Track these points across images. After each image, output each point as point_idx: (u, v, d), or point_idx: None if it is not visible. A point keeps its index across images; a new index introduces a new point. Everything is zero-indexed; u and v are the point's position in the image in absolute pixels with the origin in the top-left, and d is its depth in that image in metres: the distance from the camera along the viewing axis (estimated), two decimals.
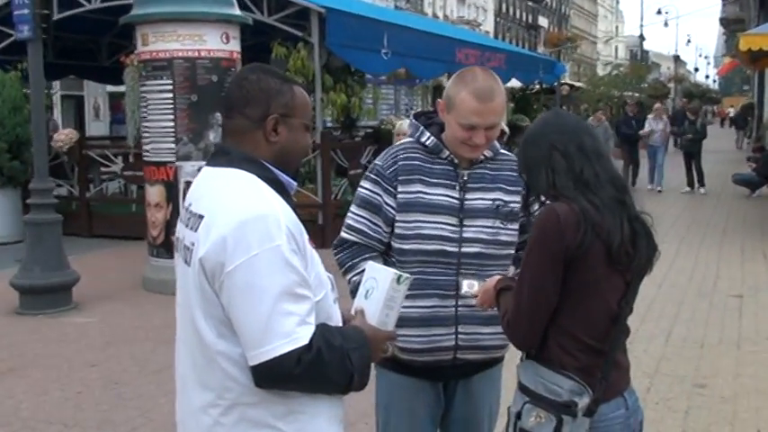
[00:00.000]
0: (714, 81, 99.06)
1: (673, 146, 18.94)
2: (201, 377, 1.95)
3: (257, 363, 1.83)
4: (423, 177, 2.64)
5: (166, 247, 7.89)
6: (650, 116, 17.81)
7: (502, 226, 2.67)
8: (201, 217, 1.92)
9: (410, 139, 2.75)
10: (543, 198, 2.33)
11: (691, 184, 16.65)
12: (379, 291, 2.12)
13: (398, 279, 2.12)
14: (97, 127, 28.00)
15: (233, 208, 1.87)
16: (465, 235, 2.63)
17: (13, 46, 10.50)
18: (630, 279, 2.23)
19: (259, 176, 1.95)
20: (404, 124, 12.37)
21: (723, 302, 7.46)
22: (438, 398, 2.78)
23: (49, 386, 5.40)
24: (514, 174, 2.68)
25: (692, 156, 16.71)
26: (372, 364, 2.66)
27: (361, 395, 2.13)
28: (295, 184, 2.10)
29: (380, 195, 2.67)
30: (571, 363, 2.19)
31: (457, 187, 2.65)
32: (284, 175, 2.03)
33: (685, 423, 4.69)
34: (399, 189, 2.64)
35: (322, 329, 1.89)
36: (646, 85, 40.35)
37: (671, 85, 58.18)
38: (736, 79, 64.18)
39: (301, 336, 1.83)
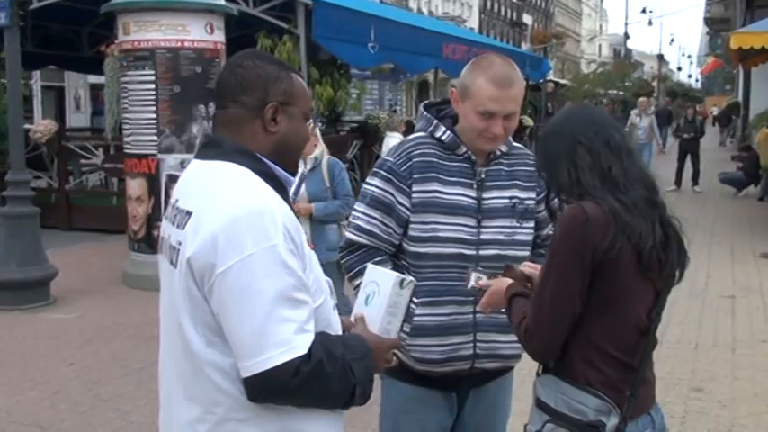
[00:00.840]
0: (697, 80, 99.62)
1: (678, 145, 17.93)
2: (188, 389, 1.77)
3: (251, 374, 1.65)
4: (439, 176, 2.46)
5: (147, 242, 7.70)
6: (633, 111, 17.48)
7: (518, 225, 2.51)
8: (190, 214, 1.75)
9: (423, 134, 2.54)
10: (564, 197, 2.12)
11: (678, 182, 16.50)
12: (381, 296, 1.95)
13: (401, 283, 1.95)
14: (78, 119, 27.64)
15: (224, 203, 1.70)
16: (483, 237, 2.46)
17: None
18: (661, 288, 2.06)
19: (253, 170, 1.78)
20: (396, 119, 12.32)
21: (715, 303, 7.37)
22: (451, 408, 2.61)
23: (25, 385, 5.20)
24: (529, 168, 2.53)
25: (690, 154, 16.53)
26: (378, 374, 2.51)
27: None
28: (293, 179, 1.93)
29: (393, 194, 2.46)
30: (597, 378, 2.00)
31: (474, 186, 2.48)
32: (281, 170, 1.85)
33: (683, 429, 4.56)
34: (414, 188, 2.44)
35: (322, 338, 1.72)
36: (630, 84, 40.46)
37: (654, 83, 58.44)
38: (718, 79, 64.50)
39: (299, 345, 1.65)
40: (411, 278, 2.01)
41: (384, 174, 2.49)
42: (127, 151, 8.15)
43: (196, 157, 1.89)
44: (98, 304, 7.29)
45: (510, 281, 2.23)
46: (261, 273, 1.65)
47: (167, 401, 1.87)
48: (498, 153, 2.54)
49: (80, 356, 5.79)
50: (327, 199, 5.60)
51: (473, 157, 2.49)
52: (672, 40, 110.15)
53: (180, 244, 1.75)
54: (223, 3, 8.19)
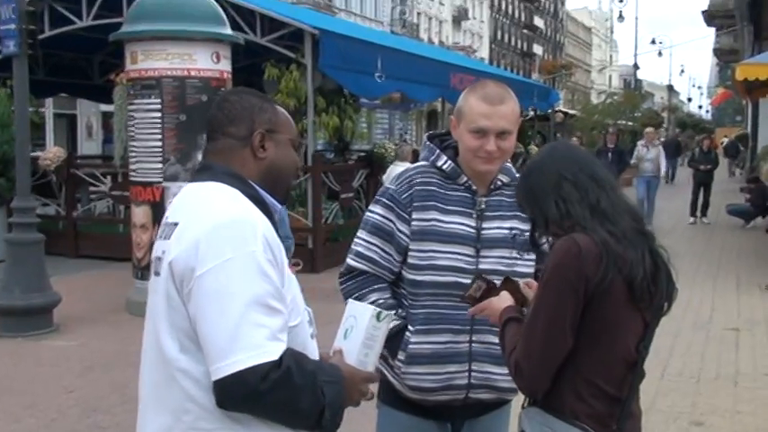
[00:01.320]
0: (707, 111, 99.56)
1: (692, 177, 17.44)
2: (160, 397, 1.81)
3: (220, 376, 1.67)
4: (438, 204, 2.48)
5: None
6: (640, 142, 16.04)
7: (518, 256, 2.50)
8: (176, 225, 1.82)
9: (425, 163, 2.57)
10: (554, 230, 2.10)
11: (694, 214, 16.34)
12: (359, 329, 1.97)
13: (378, 316, 1.97)
14: (90, 146, 27.88)
15: (208, 213, 1.78)
16: (481, 266, 2.45)
17: (2, 63, 10.38)
18: (649, 320, 2.04)
19: (241, 191, 1.85)
20: (406, 149, 12.34)
21: (719, 336, 7.30)
22: None
23: (23, 413, 5.19)
24: None
25: (703, 186, 16.45)
26: (376, 402, 2.48)
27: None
28: (280, 207, 1.98)
29: (393, 222, 2.49)
30: (584, 411, 1.98)
31: (474, 215, 2.49)
32: (269, 196, 1.92)
33: None
34: (414, 216, 2.47)
35: (293, 351, 1.74)
36: (639, 114, 40.46)
37: (664, 114, 58.42)
38: (729, 110, 64.45)
39: (271, 350, 1.68)
40: (388, 312, 2.02)
41: (386, 201, 2.53)
42: (132, 179, 8.20)
43: (190, 181, 1.97)
44: (100, 332, 7.30)
45: (508, 302, 2.19)
46: (238, 276, 1.69)
47: (143, 410, 1.90)
48: (500, 183, 2.55)
49: (80, 384, 5.79)
50: None
51: (473, 187, 2.51)
52: (682, 71, 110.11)
53: (164, 252, 1.81)
54: (230, 32, 8.27)
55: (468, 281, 2.35)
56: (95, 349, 6.72)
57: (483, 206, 2.51)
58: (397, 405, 2.55)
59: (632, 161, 15.79)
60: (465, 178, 2.50)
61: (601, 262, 1.92)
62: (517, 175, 2.58)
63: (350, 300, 2.20)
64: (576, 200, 2.02)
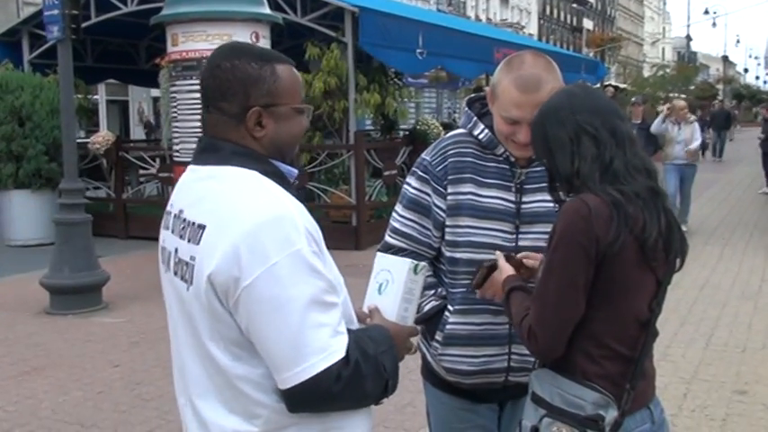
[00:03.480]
0: (765, 82, 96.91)
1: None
2: (226, 400, 1.72)
3: (291, 385, 1.61)
4: (475, 177, 2.32)
5: None
6: (667, 120, 11.54)
7: None
8: (202, 227, 1.67)
9: (462, 131, 2.41)
10: (565, 188, 2.03)
11: None
12: (395, 283, 1.93)
13: (416, 268, 1.94)
14: (141, 131, 28.33)
15: (241, 213, 1.63)
16: (521, 243, 2.30)
17: (51, 50, 10.59)
18: (662, 278, 2.00)
19: (260, 171, 1.71)
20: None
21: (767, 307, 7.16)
22: (494, 419, 2.51)
23: (71, 386, 5.35)
24: None
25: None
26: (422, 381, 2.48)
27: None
28: (295, 171, 1.86)
29: (429, 195, 2.35)
30: (595, 371, 1.95)
31: (513, 189, 2.33)
32: (283, 165, 1.79)
33: (723, 431, 4.45)
34: (449, 189, 2.33)
35: (355, 338, 1.69)
36: (693, 87, 39.62)
37: (719, 86, 57.07)
38: None
39: (337, 348, 1.62)
40: (424, 263, 1.99)
41: (420, 174, 2.40)
42: (176, 159, 8.34)
43: (194, 163, 1.81)
44: (147, 309, 7.44)
45: (509, 272, 2.14)
46: (289, 280, 1.59)
47: (200, 418, 1.78)
48: None
49: (126, 359, 5.94)
50: None
51: (512, 158, 2.34)
52: (738, 42, 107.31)
53: (194, 259, 1.68)
54: (268, 11, 8.32)
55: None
56: (141, 325, 6.88)
57: (523, 178, 2.34)
58: (439, 386, 2.49)
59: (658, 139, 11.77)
60: (502, 149, 2.33)
61: (612, 222, 1.87)
62: None
63: (380, 253, 2.14)
64: (592, 157, 1.94)
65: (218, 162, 1.73)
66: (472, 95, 2.56)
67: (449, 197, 2.33)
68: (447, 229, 2.35)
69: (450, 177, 2.34)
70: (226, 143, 1.74)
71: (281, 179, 1.74)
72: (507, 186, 2.34)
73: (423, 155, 2.45)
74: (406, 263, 1.96)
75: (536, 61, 2.27)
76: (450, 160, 2.36)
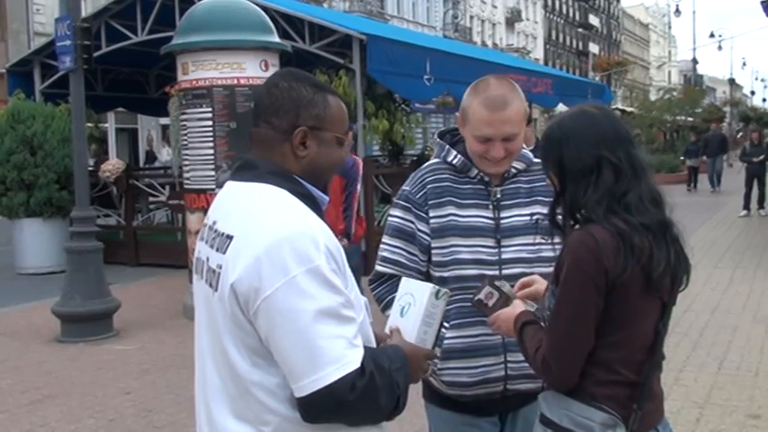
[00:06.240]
0: None
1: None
2: (237, 409, 1.77)
3: (307, 393, 1.65)
4: (453, 199, 2.49)
5: None
6: None
7: (544, 241, 2.47)
8: (230, 237, 1.75)
9: (437, 160, 2.59)
10: (572, 218, 2.05)
11: (748, 207, 16.26)
12: (417, 306, 1.99)
13: (437, 293, 2.00)
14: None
15: (265, 226, 1.70)
16: (504, 256, 2.45)
17: (63, 80, 10.72)
18: (667, 300, 2.02)
19: (290, 191, 1.79)
20: None
21: None
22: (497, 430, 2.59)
23: (83, 413, 5.36)
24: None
25: (756, 177, 16.50)
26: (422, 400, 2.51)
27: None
28: (327, 198, 1.93)
29: (413, 222, 2.51)
30: (604, 393, 1.97)
31: (490, 206, 2.50)
32: (316, 190, 1.86)
33: None
34: (431, 214, 2.49)
35: (370, 351, 1.74)
36: (700, 110, 39.65)
37: (726, 109, 57.10)
38: None
39: (352, 359, 1.66)
40: (446, 290, 2.04)
41: (402, 204, 2.55)
42: (187, 186, 8.39)
43: (232, 179, 1.89)
44: (158, 336, 7.47)
45: (520, 308, 2.19)
46: (307, 293, 1.65)
47: (211, 422, 1.84)
48: (514, 171, 2.54)
49: (137, 386, 5.95)
50: None
51: (486, 179, 2.51)
52: (744, 64, 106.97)
53: (220, 267, 1.75)
54: (277, 40, 8.40)
55: (491, 272, 2.39)
56: (153, 352, 6.89)
57: (498, 196, 2.51)
58: (441, 403, 2.56)
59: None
60: (476, 171, 2.51)
61: (619, 254, 1.89)
62: (535, 160, 2.55)
63: (404, 278, 2.23)
64: (607, 188, 1.94)
65: (253, 179, 1.82)
66: (442, 129, 2.76)
67: (431, 221, 2.49)
68: (433, 251, 2.49)
69: (430, 202, 2.50)
70: (263, 162, 1.84)
71: (311, 201, 1.82)
72: (484, 205, 2.50)
73: (403, 186, 2.61)
74: (428, 287, 2.02)
75: (500, 83, 2.46)
76: (428, 186, 2.52)
